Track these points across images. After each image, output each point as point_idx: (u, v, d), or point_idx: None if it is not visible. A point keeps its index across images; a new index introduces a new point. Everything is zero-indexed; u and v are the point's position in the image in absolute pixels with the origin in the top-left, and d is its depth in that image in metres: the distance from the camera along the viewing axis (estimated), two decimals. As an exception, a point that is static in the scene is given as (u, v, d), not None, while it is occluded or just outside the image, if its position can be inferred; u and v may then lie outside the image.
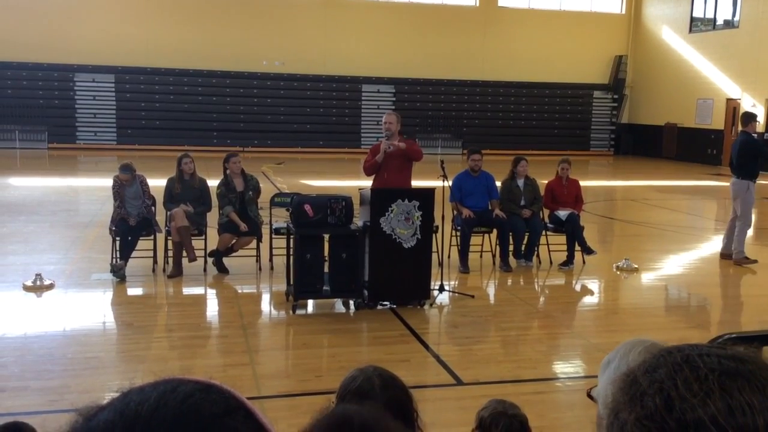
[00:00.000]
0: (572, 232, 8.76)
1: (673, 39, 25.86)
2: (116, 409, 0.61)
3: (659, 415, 0.72)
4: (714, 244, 10.45)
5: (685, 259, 10.16)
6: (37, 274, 7.34)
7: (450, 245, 8.77)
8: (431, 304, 7.06)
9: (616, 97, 27.97)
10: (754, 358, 0.75)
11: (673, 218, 13.55)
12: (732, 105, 23.16)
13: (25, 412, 4.24)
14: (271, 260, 8.29)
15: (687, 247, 11.01)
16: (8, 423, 1.39)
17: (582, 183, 9.44)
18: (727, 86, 23.37)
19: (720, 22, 24.33)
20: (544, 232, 8.91)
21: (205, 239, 8.11)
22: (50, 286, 7.29)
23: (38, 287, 7.23)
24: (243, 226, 7.85)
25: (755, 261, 9.15)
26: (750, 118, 9.35)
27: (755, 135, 9.22)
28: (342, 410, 1.59)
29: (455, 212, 8.72)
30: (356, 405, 1.63)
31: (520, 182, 8.88)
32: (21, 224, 10.73)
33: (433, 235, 7.30)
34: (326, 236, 6.87)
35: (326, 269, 6.85)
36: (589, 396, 1.44)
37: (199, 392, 0.64)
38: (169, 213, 7.98)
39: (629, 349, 1.39)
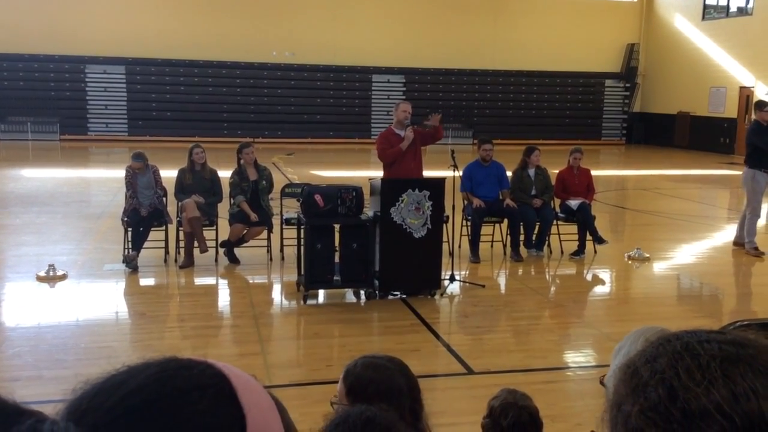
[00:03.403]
0: (583, 221, 8.73)
1: (686, 27, 25.64)
2: (101, 381, 0.65)
3: (663, 406, 0.71)
4: (726, 234, 10.39)
5: (697, 248, 10.11)
6: (50, 265, 7.40)
7: (461, 235, 8.76)
8: (442, 294, 7.06)
9: (628, 85, 27.78)
10: (753, 342, 0.74)
11: (685, 207, 13.48)
12: (745, 93, 22.95)
13: (38, 401, 4.28)
14: (282, 250, 8.31)
15: (699, 236, 10.95)
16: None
17: (593, 172, 9.40)
18: (741, 74, 23.16)
19: (733, 9, 24.09)
20: (555, 222, 8.89)
21: (216, 230, 8.14)
22: (63, 277, 7.34)
23: (51, 278, 7.28)
24: (253, 216, 7.88)
25: (762, 253, 9.04)
26: (757, 106, 9.21)
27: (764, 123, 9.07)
28: (360, 411, 1.57)
29: (466, 202, 8.71)
30: (371, 407, 1.61)
31: (531, 172, 8.85)
32: (34, 215, 10.80)
33: (444, 224, 7.29)
34: (337, 226, 6.88)
35: (337, 259, 6.86)
36: (602, 383, 1.44)
37: (179, 368, 0.66)
38: (180, 204, 8.02)
39: (638, 335, 1.39)
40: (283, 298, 7.21)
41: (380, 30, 25.22)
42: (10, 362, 5.24)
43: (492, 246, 8.92)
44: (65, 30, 22.93)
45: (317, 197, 6.70)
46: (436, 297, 7.00)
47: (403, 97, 24.68)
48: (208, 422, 0.63)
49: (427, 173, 7.87)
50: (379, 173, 7.87)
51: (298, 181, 10.12)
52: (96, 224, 10.15)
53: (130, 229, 7.85)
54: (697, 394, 0.70)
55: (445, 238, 7.39)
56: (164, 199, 8.17)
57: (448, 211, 7.40)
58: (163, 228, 8.05)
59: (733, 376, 0.70)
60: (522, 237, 8.68)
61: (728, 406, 0.68)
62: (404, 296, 6.94)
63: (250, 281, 7.71)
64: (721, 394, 0.69)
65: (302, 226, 6.87)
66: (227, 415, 0.65)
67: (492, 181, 8.69)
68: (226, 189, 8.24)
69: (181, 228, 8.01)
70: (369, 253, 6.78)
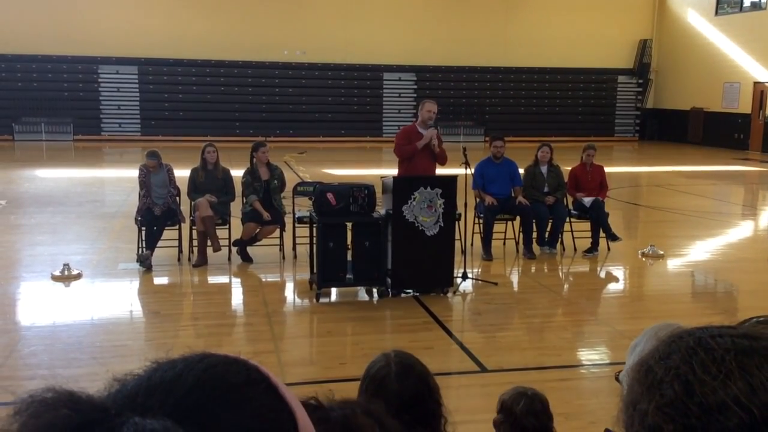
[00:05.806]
0: (597, 218, 8.69)
1: (699, 22, 25.46)
2: (146, 376, 0.65)
3: (680, 402, 0.71)
4: (741, 230, 10.32)
5: (712, 245, 10.04)
6: (64, 264, 7.45)
7: (473, 233, 8.73)
8: (454, 292, 7.05)
9: (641, 81, 27.63)
10: (766, 335, 0.74)
11: (700, 204, 13.39)
12: (759, 88, 22.78)
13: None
14: (294, 249, 8.32)
15: (713, 233, 10.87)
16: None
17: (606, 169, 9.34)
18: (755, 69, 22.97)
19: (747, 3, 23.91)
20: (568, 219, 8.85)
21: (229, 229, 8.17)
22: (78, 276, 7.39)
23: (66, 277, 7.33)
24: (266, 215, 7.90)
25: None
26: None
27: None
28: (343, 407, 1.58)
29: (478, 199, 8.69)
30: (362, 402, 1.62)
31: (544, 169, 8.82)
32: (48, 215, 10.88)
33: (456, 222, 7.28)
34: (349, 225, 6.88)
35: (349, 257, 6.87)
36: (617, 380, 1.44)
37: (224, 364, 0.67)
38: (193, 203, 8.06)
39: (654, 332, 1.39)
40: (296, 297, 7.23)
41: (391, 28, 25.20)
42: (26, 361, 5.28)
43: (504, 243, 8.90)
44: (78, 31, 23.07)
45: (329, 195, 6.71)
46: (449, 295, 6.99)
47: (415, 95, 24.71)
48: (269, 416, 0.65)
49: (439, 171, 7.86)
50: (390, 171, 7.86)
51: (310, 180, 10.14)
52: (110, 224, 10.21)
53: (143, 228, 7.89)
54: (714, 387, 0.70)
55: (457, 236, 7.38)
56: (177, 198, 8.21)
57: (460, 209, 7.39)
58: (177, 227, 8.09)
59: (749, 368, 0.70)
60: (534, 234, 8.65)
61: (746, 398, 0.68)
62: (417, 294, 6.93)
63: (263, 280, 7.73)
64: (738, 387, 0.69)
65: (314, 225, 6.88)
66: (281, 410, 0.66)
67: (504, 179, 8.66)
68: (238, 188, 8.27)
69: (194, 227, 8.04)
70: (381, 251, 6.78)
